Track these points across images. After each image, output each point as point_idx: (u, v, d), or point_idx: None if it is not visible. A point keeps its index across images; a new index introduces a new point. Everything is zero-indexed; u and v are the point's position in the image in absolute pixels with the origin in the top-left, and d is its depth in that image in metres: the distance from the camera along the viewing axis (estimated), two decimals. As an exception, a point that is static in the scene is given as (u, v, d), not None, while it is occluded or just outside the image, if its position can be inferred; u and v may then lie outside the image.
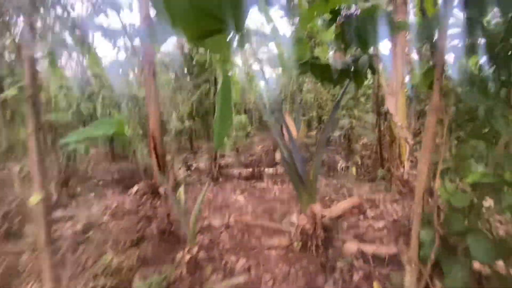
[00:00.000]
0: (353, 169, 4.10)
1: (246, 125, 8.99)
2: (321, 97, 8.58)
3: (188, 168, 5.87)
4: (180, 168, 5.75)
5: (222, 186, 4.58)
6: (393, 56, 4.01)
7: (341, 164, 4.69)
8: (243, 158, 7.33)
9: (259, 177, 4.89)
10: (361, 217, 3.23)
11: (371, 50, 2.02)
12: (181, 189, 2.18)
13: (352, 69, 2.10)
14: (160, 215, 3.06)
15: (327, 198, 3.89)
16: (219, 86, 3.35)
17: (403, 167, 4.02)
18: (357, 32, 1.48)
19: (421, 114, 7.23)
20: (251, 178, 4.91)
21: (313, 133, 8.22)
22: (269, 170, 4.93)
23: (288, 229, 2.72)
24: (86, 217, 3.10)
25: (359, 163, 4.32)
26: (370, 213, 3.33)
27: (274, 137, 2.37)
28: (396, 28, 2.14)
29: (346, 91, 2.41)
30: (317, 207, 2.26)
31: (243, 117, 9.04)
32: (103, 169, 6.20)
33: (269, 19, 5.75)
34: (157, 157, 3.85)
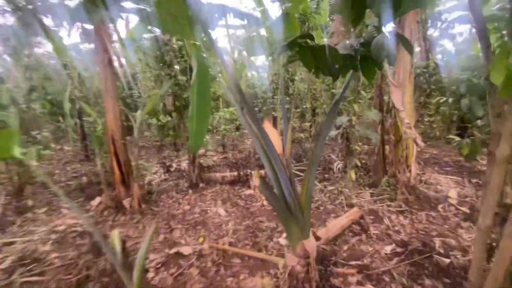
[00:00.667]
0: (352, 173, 3.53)
1: (235, 118, 8.35)
2: (314, 88, 7.96)
3: (167, 169, 5.23)
4: (156, 172, 5.11)
5: (201, 193, 3.97)
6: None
7: (337, 165, 4.12)
8: (230, 155, 6.72)
9: (245, 181, 4.29)
10: (363, 236, 2.69)
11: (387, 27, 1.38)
12: (115, 233, 1.54)
13: (359, 56, 1.47)
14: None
15: (322, 208, 3.34)
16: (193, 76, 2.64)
17: (410, 171, 3.48)
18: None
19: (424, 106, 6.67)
20: (236, 183, 4.31)
21: (308, 124, 7.64)
22: (257, 172, 4.34)
23: (275, 260, 2.14)
24: (22, 247, 2.46)
25: (359, 165, 3.75)
26: (373, 230, 2.79)
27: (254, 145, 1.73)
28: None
29: (348, 84, 1.78)
30: (310, 243, 1.68)
31: (232, 109, 8.38)
32: (71, 170, 5.51)
33: (259, 3, 4.93)
34: (118, 163, 3.19)
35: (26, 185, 3.95)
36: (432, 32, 6.91)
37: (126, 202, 3.27)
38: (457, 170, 4.81)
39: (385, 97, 3.86)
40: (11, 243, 2.52)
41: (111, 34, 3.05)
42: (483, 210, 1.20)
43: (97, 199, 3.52)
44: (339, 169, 4.06)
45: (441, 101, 5.59)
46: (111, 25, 2.99)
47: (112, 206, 3.33)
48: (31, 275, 2.05)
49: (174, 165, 5.48)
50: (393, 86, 3.37)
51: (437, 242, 2.50)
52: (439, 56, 7.44)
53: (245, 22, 4.30)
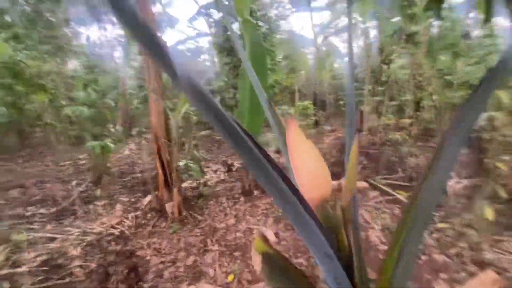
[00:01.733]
0: (489, 209, 2.09)
1: (310, 113, 7.35)
2: (420, 73, 6.00)
3: (228, 168, 4.84)
4: (216, 171, 4.78)
5: (253, 204, 3.30)
6: None
7: (454, 190, 2.65)
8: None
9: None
10: None
11: None
12: None
13: None
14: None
15: (424, 259, 2.09)
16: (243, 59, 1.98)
17: None
18: None
19: None
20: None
21: (408, 120, 5.94)
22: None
23: None
24: (54, 247, 2.40)
25: (502, 197, 2.21)
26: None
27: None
28: None
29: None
30: None
31: (307, 103, 7.42)
32: (149, 162, 5.88)
33: None
34: (161, 163, 2.88)
35: (104, 175, 4.27)
36: None
37: (168, 207, 2.95)
38: None
39: None
40: (53, 239, 2.54)
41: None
42: None
43: (148, 198, 3.37)
44: (462, 195, 2.59)
45: None
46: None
47: (157, 208, 3.08)
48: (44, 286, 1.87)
49: (237, 164, 5.04)
50: None
51: None
52: None
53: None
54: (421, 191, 0.76)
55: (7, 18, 5.81)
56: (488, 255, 2.03)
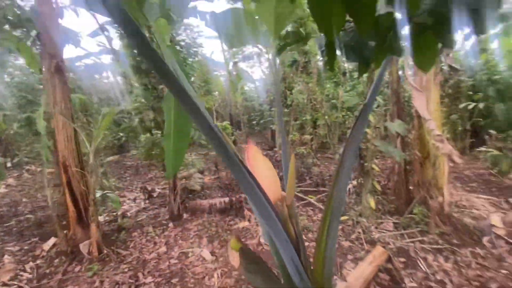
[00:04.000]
0: (371, 200, 2.83)
1: (229, 132, 7.74)
2: (315, 98, 7.38)
3: (149, 195, 4.50)
4: (135, 199, 4.39)
5: (184, 227, 3.23)
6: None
7: (350, 190, 3.42)
8: (225, 174, 6.02)
9: (239, 209, 3.56)
10: (397, 292, 1.95)
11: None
12: None
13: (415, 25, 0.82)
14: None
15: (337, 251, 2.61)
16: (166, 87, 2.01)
17: (442, 195, 2.78)
18: None
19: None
20: (227, 212, 3.58)
21: (308, 136, 7.01)
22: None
23: None
24: None
25: (377, 190, 3.05)
26: (408, 282, 2.06)
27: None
28: None
29: (382, 79, 1.13)
30: None
31: (225, 124, 7.79)
32: (42, 198, 4.75)
33: None
34: (72, 196, 2.49)
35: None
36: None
37: (83, 246, 2.54)
38: (484, 187, 4.11)
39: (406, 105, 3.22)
40: None
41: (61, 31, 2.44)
42: None
43: (51, 241, 2.79)
44: (352, 192, 3.36)
45: (470, 107, 4.83)
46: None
47: (67, 251, 2.59)
48: None
49: (158, 189, 4.76)
50: (416, 91, 2.74)
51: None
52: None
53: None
54: (334, 192, 1.09)
55: None
56: (376, 235, 2.73)
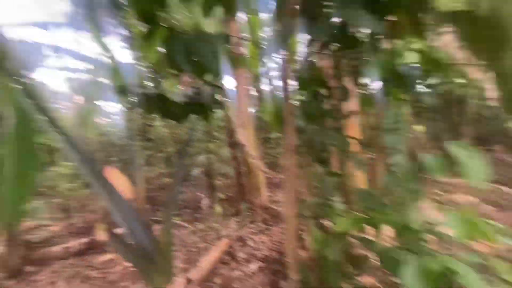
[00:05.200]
0: (218, 207, 3.78)
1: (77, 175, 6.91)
2: (177, 132, 8.12)
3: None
4: None
5: (29, 281, 2.90)
6: (237, 90, 4.20)
7: (204, 202, 4.28)
8: (78, 219, 5.41)
9: (101, 246, 3.55)
10: (233, 263, 2.87)
11: (214, 80, 1.75)
12: None
13: (196, 103, 1.75)
14: None
15: (195, 250, 3.29)
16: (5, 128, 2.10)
17: (262, 195, 4.16)
18: (187, 55, 1.13)
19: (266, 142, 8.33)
20: (87, 252, 3.47)
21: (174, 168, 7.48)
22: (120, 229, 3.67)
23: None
24: None
25: (222, 198, 4.08)
26: (241, 254, 3.05)
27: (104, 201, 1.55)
28: (236, 60, 2.02)
29: (194, 127, 2.03)
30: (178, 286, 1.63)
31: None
32: None
33: (105, 48, 4.77)
34: None
35: None
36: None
37: None
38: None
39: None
40: None
41: None
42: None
43: None
44: (206, 206, 4.22)
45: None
46: None
47: None
48: None
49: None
50: (238, 127, 4.08)
51: (288, 247, 3.08)
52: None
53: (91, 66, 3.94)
54: (168, 195, 1.83)
55: None
56: (224, 232, 3.65)
